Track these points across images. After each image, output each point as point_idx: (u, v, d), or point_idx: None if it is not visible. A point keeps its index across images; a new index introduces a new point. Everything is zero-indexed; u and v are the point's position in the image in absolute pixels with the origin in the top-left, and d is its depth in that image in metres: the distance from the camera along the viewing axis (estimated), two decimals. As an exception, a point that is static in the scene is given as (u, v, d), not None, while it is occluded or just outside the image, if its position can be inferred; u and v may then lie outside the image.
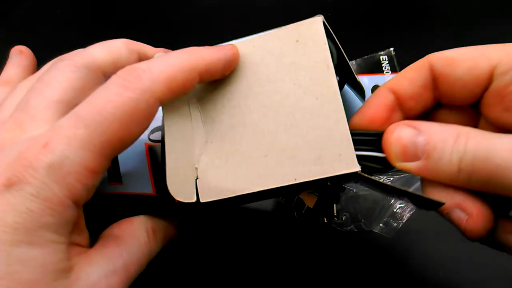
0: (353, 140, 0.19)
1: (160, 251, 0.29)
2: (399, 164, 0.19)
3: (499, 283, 0.28)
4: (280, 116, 0.20)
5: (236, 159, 0.20)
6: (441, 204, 0.18)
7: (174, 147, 0.20)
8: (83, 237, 0.19)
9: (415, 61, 0.21)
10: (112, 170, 0.22)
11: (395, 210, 0.30)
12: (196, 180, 0.20)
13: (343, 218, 0.30)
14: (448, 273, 0.28)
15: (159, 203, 0.22)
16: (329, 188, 0.30)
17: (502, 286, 0.28)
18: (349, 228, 0.30)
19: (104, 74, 0.21)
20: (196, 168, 0.21)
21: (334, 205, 0.30)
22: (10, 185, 0.16)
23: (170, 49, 0.24)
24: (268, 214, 0.31)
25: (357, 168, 0.18)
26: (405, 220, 0.29)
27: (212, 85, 0.21)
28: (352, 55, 0.24)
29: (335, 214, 0.30)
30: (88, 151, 0.17)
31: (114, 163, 0.22)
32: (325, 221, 0.30)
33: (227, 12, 0.44)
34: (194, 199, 0.20)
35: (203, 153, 0.21)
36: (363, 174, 0.18)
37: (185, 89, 0.19)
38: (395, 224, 0.29)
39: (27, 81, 0.22)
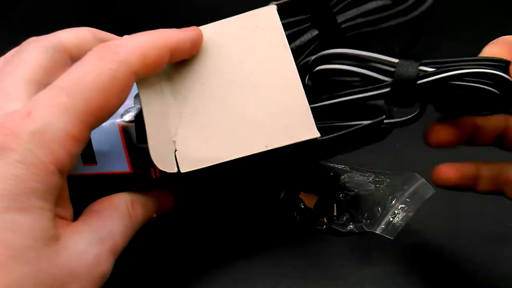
0: (484, 64, 0.21)
1: (156, 250, 0.29)
2: None
3: (504, 284, 0.28)
4: (247, 90, 0.22)
5: (210, 131, 0.22)
6: (382, 119, 0.22)
7: (152, 122, 0.22)
8: (68, 211, 0.20)
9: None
10: (86, 152, 0.23)
11: (396, 211, 0.30)
12: (175, 152, 0.22)
13: (344, 219, 0.30)
14: (449, 274, 0.28)
15: (136, 179, 0.23)
16: (328, 187, 0.30)
17: (506, 286, 0.28)
18: (349, 228, 0.30)
19: (71, 56, 0.22)
20: (174, 141, 0.22)
21: (335, 205, 0.30)
22: None
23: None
24: (268, 214, 0.31)
25: (316, 134, 0.22)
26: (406, 221, 0.29)
27: (181, 65, 0.23)
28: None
29: (335, 215, 0.30)
30: (71, 118, 0.18)
31: (87, 144, 0.23)
32: (325, 221, 0.30)
33: (229, 12, 0.44)
34: (175, 170, 0.22)
35: (179, 127, 0.22)
36: (323, 138, 0.22)
37: (158, 65, 0.21)
38: (396, 225, 0.29)
39: None
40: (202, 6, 0.44)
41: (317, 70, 0.22)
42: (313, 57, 0.23)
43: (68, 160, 0.18)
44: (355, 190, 0.30)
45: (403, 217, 0.29)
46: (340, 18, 0.23)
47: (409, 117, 0.23)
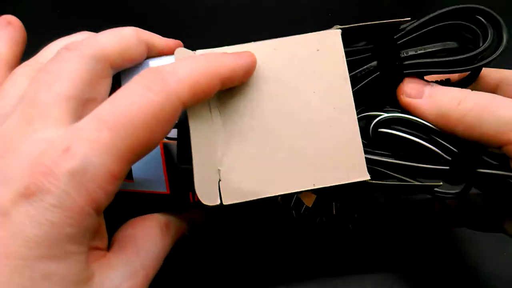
0: None
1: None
2: (404, 98, 0.22)
3: (504, 284, 0.28)
4: (300, 122, 0.21)
5: (258, 162, 0.21)
6: (437, 185, 0.22)
7: (199, 149, 0.20)
8: (102, 241, 0.19)
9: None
10: None
11: (393, 209, 0.30)
12: (219, 182, 0.21)
13: (342, 217, 0.30)
14: (449, 274, 0.28)
15: (173, 202, 0.22)
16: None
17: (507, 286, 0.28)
18: (348, 227, 0.30)
19: (111, 65, 0.20)
20: (219, 170, 0.21)
21: (333, 204, 0.30)
22: (29, 195, 0.15)
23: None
24: (267, 213, 0.31)
25: (367, 177, 0.21)
26: (404, 219, 0.29)
27: (233, 88, 0.21)
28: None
29: (334, 213, 0.30)
30: (112, 156, 0.16)
31: None
32: (324, 220, 0.30)
33: (234, 12, 0.44)
34: (218, 202, 0.20)
35: (225, 155, 0.21)
36: (372, 181, 0.21)
37: (207, 94, 0.19)
38: (394, 223, 0.29)
39: (26, 66, 0.21)
40: (209, 5, 0.44)
41: (380, 132, 0.22)
42: (379, 118, 0.22)
43: (105, 200, 0.17)
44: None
45: (400, 216, 0.29)
46: (404, 54, 0.22)
47: (456, 191, 0.23)
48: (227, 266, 0.29)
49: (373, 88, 0.23)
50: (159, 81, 0.17)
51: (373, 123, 0.22)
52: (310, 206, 0.30)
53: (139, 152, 0.17)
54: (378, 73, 0.23)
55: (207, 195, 0.20)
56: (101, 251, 0.19)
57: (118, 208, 0.21)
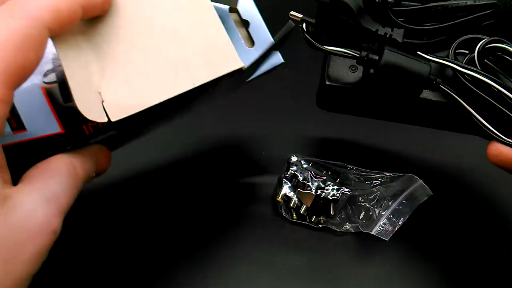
0: None
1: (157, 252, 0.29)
2: None
3: (503, 284, 0.28)
4: (167, 34, 0.23)
5: (135, 78, 0.22)
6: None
7: (74, 77, 0.21)
8: (7, 175, 0.20)
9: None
10: (13, 119, 0.23)
11: (392, 212, 0.29)
12: (102, 103, 0.22)
13: (340, 219, 0.30)
14: (447, 275, 0.28)
15: (70, 138, 0.23)
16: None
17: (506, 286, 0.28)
18: (345, 228, 0.30)
19: None
20: (99, 93, 0.22)
21: (331, 204, 0.30)
22: None
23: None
24: (265, 214, 0.31)
25: (241, 64, 0.23)
26: (402, 222, 0.29)
27: (96, 19, 0.23)
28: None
29: (332, 214, 0.30)
30: None
31: (13, 113, 0.23)
32: (322, 221, 0.30)
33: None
34: (105, 119, 0.21)
35: (102, 79, 0.22)
36: (246, 68, 0.23)
37: (71, 20, 0.20)
38: (392, 227, 0.29)
39: None
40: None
41: (489, 47, 0.24)
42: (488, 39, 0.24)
43: None
44: (353, 190, 0.30)
45: (399, 219, 0.29)
46: None
47: None
48: (224, 269, 0.29)
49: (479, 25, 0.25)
50: (20, 7, 0.19)
51: (484, 41, 0.24)
52: (309, 206, 0.30)
53: (17, 75, 0.18)
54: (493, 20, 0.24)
55: (93, 113, 0.21)
56: (8, 184, 0.19)
57: (21, 160, 0.22)
